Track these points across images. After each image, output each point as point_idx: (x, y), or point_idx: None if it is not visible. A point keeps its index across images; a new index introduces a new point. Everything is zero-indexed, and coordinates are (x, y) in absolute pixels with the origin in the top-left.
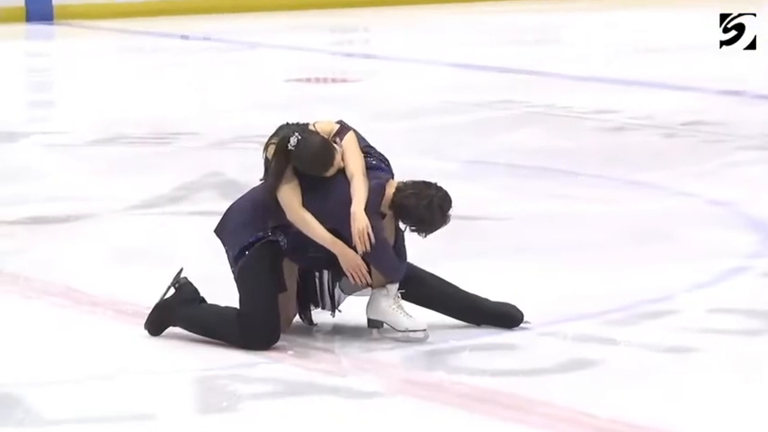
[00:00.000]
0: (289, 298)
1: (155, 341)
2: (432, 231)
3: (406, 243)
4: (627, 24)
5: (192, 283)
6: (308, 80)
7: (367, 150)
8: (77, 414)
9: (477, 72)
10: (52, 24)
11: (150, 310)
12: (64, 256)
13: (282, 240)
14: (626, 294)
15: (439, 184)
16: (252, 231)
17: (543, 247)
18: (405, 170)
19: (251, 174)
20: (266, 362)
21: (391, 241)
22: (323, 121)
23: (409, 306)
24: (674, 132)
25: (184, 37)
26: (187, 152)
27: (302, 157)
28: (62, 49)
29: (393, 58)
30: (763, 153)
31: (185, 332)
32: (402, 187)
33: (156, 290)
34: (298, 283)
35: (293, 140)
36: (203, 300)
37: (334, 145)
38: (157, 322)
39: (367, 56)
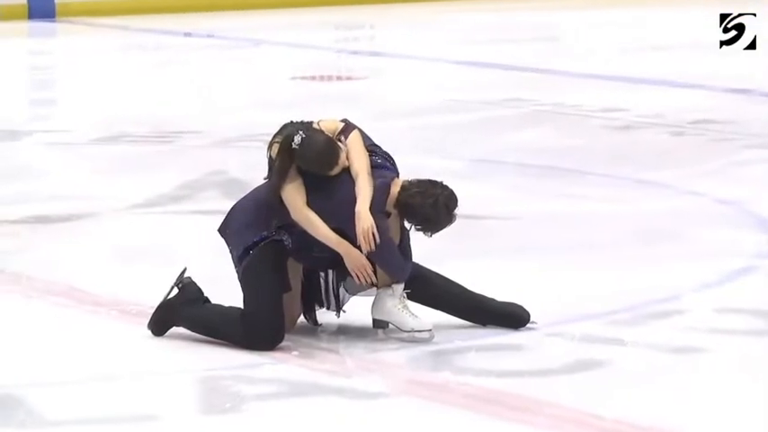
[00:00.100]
0: (293, 298)
1: (158, 341)
2: (437, 230)
3: (412, 242)
4: (632, 22)
5: (195, 283)
6: (313, 78)
7: (372, 149)
8: (80, 415)
9: (484, 70)
10: (54, 22)
11: (153, 310)
12: (66, 255)
13: (287, 240)
14: (633, 294)
15: (444, 183)
16: (256, 231)
17: (550, 246)
18: (410, 169)
19: (255, 172)
20: (270, 362)
21: (396, 240)
22: (327, 120)
23: (415, 306)
24: (681, 131)
25: (187, 34)
26: (190, 151)
27: (306, 155)
28: (64, 47)
29: (399, 56)
30: None
31: (189, 332)
32: (407, 186)
33: (160, 290)
34: (302, 282)
35: (297, 139)
36: (207, 300)
37: (339, 144)
38: (161, 322)
39: (373, 53)
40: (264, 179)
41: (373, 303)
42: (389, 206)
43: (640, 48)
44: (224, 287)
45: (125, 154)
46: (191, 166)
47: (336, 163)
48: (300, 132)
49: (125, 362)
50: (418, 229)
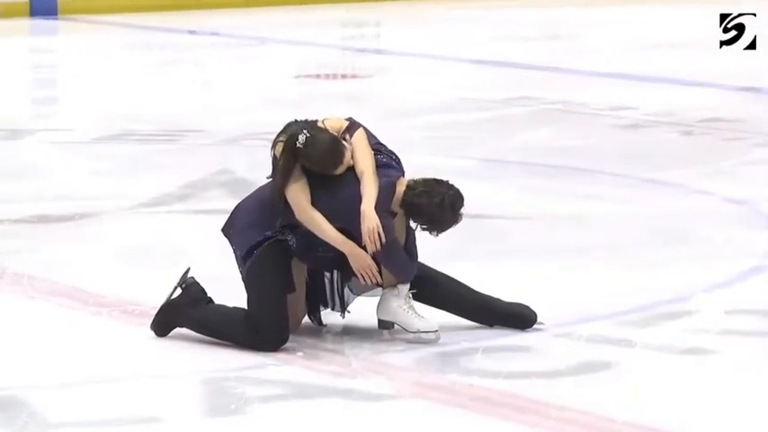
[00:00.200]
0: (298, 298)
1: (161, 342)
2: (443, 230)
3: (418, 242)
4: (640, 19)
5: (199, 284)
6: (318, 76)
7: (377, 148)
8: (82, 417)
9: (491, 68)
10: (57, 19)
11: (157, 310)
12: (69, 255)
13: (291, 240)
14: (642, 295)
15: (451, 182)
16: (260, 231)
17: (557, 246)
18: (416, 168)
19: (259, 171)
20: (275, 363)
21: (402, 240)
22: (332, 118)
23: (421, 307)
24: (691, 129)
25: (192, 32)
26: (195, 149)
27: (311, 155)
28: (67, 45)
29: (405, 54)
30: None
31: (192, 333)
32: (413, 185)
33: (163, 290)
34: (307, 283)
35: (302, 138)
36: (211, 300)
37: (344, 142)
38: (164, 323)
39: (378, 51)
40: (268, 178)
41: (379, 304)
42: (395, 206)
43: (648, 45)
44: (228, 287)
45: (128, 153)
46: (195, 165)
47: (341, 162)
48: (305, 131)
49: (128, 363)
50: (424, 229)
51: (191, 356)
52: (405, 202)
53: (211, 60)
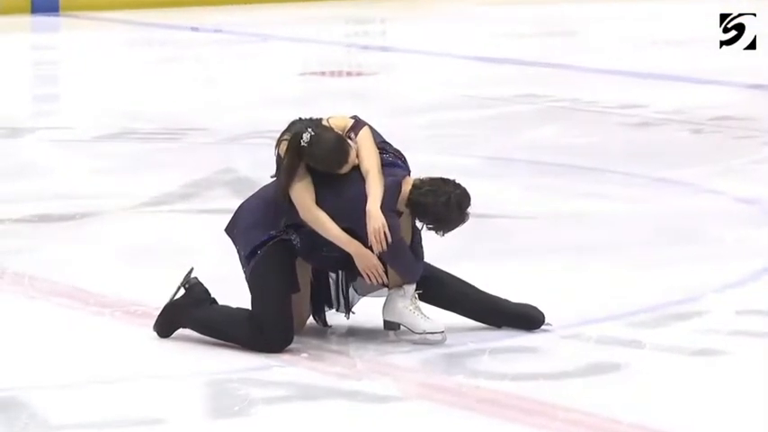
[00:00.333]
0: (302, 299)
1: (164, 343)
2: (449, 230)
3: (424, 242)
4: (648, 16)
5: (202, 284)
6: (323, 74)
7: (382, 146)
8: (84, 419)
9: (497, 65)
10: (58, 16)
11: (159, 311)
12: (70, 255)
13: (295, 239)
14: (651, 295)
15: (457, 181)
16: (264, 230)
17: (564, 246)
18: (422, 167)
19: (263, 170)
20: (279, 365)
21: (408, 240)
22: (337, 117)
23: (427, 307)
24: (700, 128)
25: (194, 29)
26: (197, 148)
27: (315, 153)
28: (68, 42)
29: (410, 51)
30: None
31: (195, 334)
32: (419, 184)
33: (166, 290)
34: (311, 283)
35: (306, 137)
36: (214, 301)
37: (349, 141)
38: (167, 324)
39: (383, 48)
40: (272, 177)
41: (384, 304)
42: (401, 205)
43: (657, 42)
44: (231, 288)
45: (130, 151)
46: (198, 163)
47: (346, 161)
48: (309, 130)
49: (130, 364)
50: (430, 229)
51: (194, 357)
52: (411, 202)
53: (214, 57)
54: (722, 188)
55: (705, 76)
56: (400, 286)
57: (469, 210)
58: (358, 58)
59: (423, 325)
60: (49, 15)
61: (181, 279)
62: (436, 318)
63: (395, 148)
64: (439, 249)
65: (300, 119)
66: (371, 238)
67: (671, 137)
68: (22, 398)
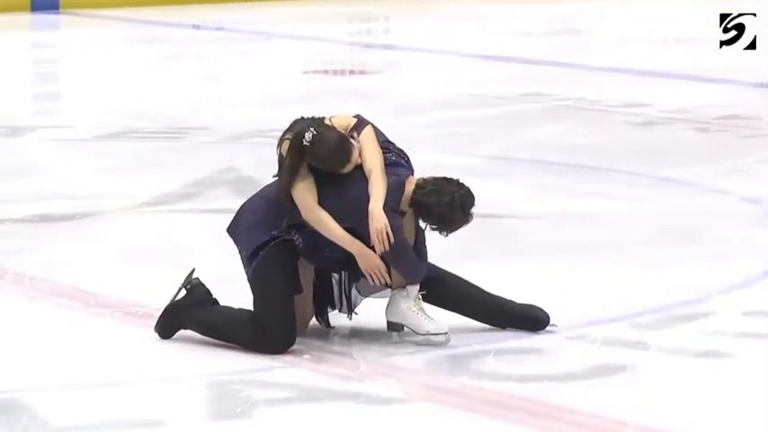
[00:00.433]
0: (304, 300)
1: (165, 344)
2: (453, 230)
3: (427, 242)
4: (653, 15)
5: (203, 284)
6: (326, 72)
7: (386, 146)
8: (84, 420)
9: (502, 63)
10: (58, 14)
11: (161, 312)
12: (71, 255)
13: (298, 240)
14: (657, 296)
15: (461, 181)
16: (266, 231)
17: (568, 246)
18: (426, 166)
19: (266, 170)
20: (281, 366)
21: (411, 240)
22: (339, 116)
23: (430, 308)
24: (706, 127)
25: (196, 27)
26: (199, 147)
27: (318, 153)
28: (68, 40)
29: (414, 49)
30: None
31: (197, 335)
32: (422, 184)
33: (167, 291)
34: (314, 284)
35: (308, 136)
36: (216, 301)
37: (352, 140)
38: (168, 325)
39: (387, 47)
40: (274, 177)
41: (387, 305)
42: (404, 205)
43: (662, 41)
44: (233, 288)
45: (131, 150)
46: (200, 163)
47: (349, 160)
48: (312, 129)
49: (131, 365)
50: (433, 229)
51: (196, 359)
52: (414, 202)
53: (216, 56)
54: (728, 188)
55: (711, 74)
56: (403, 287)
57: (473, 210)
58: (361, 56)
59: (426, 326)
60: (49, 13)
61: (182, 280)
62: (440, 319)
63: (398, 148)
64: (443, 249)
65: (303, 118)
66: (374, 239)
67: (676, 136)
68: (23, 400)
